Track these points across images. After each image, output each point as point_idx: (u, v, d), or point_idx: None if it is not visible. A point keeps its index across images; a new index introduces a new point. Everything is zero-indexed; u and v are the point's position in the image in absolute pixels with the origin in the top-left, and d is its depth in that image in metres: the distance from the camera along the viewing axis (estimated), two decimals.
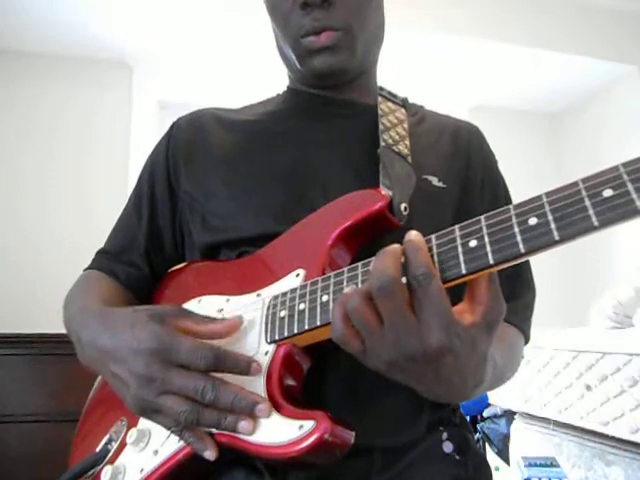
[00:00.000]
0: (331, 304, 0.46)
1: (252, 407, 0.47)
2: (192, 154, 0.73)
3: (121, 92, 2.66)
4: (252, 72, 2.48)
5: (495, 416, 2.25)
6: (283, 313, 0.51)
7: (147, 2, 2.27)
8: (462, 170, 0.71)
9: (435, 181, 0.67)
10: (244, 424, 0.47)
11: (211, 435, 0.49)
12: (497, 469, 2.10)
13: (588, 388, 1.75)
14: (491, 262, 0.38)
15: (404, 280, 0.40)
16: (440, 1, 2.51)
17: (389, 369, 0.43)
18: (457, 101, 3.06)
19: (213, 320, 0.54)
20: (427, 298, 0.39)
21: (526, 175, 2.39)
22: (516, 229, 0.37)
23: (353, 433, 0.46)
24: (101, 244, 0.79)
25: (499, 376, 0.61)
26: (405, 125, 0.71)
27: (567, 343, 1.89)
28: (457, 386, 0.43)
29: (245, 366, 0.50)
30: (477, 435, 2.24)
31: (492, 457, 2.14)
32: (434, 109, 0.82)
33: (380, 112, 0.72)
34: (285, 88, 0.82)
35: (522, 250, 0.37)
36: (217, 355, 0.49)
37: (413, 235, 0.41)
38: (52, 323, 1.01)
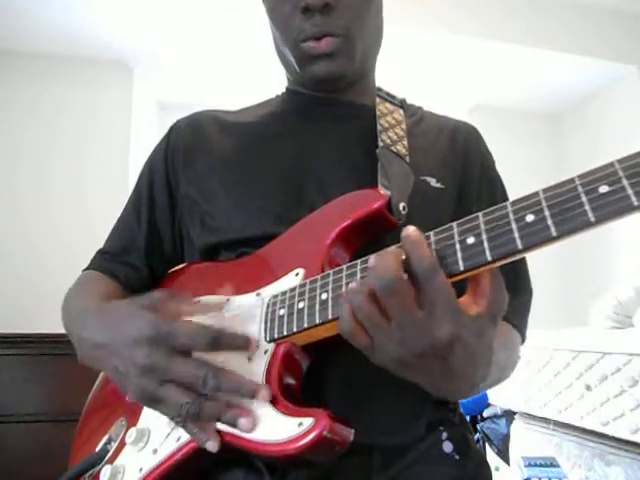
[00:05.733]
0: (330, 302, 0.46)
1: (253, 393, 0.48)
2: (191, 156, 0.73)
3: (121, 92, 2.66)
4: (252, 73, 2.48)
5: (495, 416, 2.25)
6: (282, 312, 0.51)
7: (147, 2, 2.27)
8: (460, 170, 0.71)
9: (433, 182, 0.67)
10: (244, 421, 0.47)
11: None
12: (497, 469, 2.10)
13: (588, 388, 1.75)
14: (489, 259, 0.38)
15: (406, 277, 0.40)
16: (440, 1, 2.51)
17: (397, 366, 0.43)
18: (457, 101, 3.06)
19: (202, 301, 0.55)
20: (434, 291, 0.39)
21: (526, 175, 2.38)
22: (513, 225, 0.38)
23: (352, 431, 0.46)
24: (101, 244, 0.79)
25: (500, 373, 0.62)
26: (403, 126, 0.71)
27: (567, 343, 1.89)
28: (466, 378, 0.44)
29: (243, 342, 0.51)
30: (477, 435, 2.24)
31: (492, 457, 2.13)
32: (434, 109, 0.82)
33: (378, 113, 0.72)
34: (284, 89, 0.82)
35: (520, 246, 0.37)
36: (216, 334, 0.49)
37: (411, 230, 0.41)
38: (52, 323, 1.01)
